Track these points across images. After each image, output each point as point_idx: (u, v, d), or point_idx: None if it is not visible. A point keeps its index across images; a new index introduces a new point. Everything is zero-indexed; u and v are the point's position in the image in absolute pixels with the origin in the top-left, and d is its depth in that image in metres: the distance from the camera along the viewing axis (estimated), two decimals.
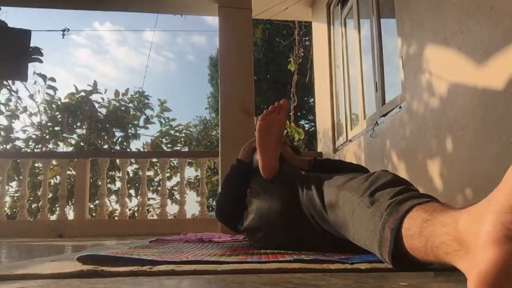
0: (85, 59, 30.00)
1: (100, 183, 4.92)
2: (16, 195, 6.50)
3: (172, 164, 6.58)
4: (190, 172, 12.06)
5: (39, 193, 5.02)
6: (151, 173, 7.07)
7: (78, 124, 7.56)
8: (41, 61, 4.89)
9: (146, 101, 7.79)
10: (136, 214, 5.83)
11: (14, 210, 6.57)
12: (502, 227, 0.50)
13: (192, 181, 7.34)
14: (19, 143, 7.14)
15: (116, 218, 5.81)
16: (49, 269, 0.98)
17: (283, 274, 0.91)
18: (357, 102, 3.75)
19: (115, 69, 33.78)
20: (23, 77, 4.49)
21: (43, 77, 6.68)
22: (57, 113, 7.26)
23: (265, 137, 1.47)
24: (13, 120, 7.01)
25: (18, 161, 5.37)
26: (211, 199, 10.54)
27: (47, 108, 7.25)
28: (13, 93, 6.70)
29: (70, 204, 6.02)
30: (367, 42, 3.49)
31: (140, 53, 30.03)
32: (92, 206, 6.68)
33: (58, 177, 6.34)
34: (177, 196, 5.45)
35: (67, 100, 7.36)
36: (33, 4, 4.66)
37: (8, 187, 6.02)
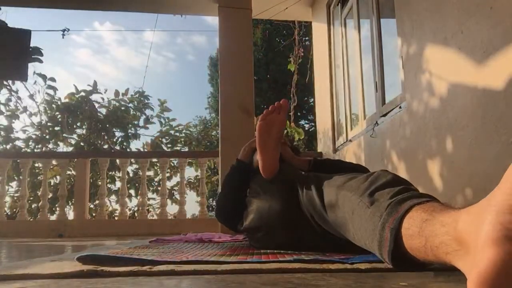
0: (85, 59, 30.02)
1: (100, 183, 4.92)
2: (16, 195, 6.50)
3: (172, 164, 6.58)
4: (190, 172, 12.07)
5: (39, 193, 5.02)
6: (151, 173, 7.07)
7: (78, 124, 7.56)
8: (41, 61, 4.89)
9: (146, 101, 7.79)
10: (136, 214, 5.83)
11: (14, 210, 6.57)
12: (501, 227, 0.50)
13: (192, 181, 7.34)
14: (19, 143, 7.16)
15: (116, 218, 5.81)
16: (49, 269, 0.98)
17: (283, 274, 0.91)
18: (357, 102, 3.75)
19: (115, 69, 33.80)
20: (23, 77, 4.49)
21: (43, 77, 6.68)
22: (57, 113, 7.26)
23: (265, 137, 1.47)
24: (13, 120, 7.01)
25: (18, 161, 5.38)
26: (211, 199, 10.54)
27: (47, 108, 7.25)
28: (13, 93, 6.71)
29: (70, 204, 6.02)
30: (367, 42, 3.49)
31: (140, 53, 30.06)
32: (92, 206, 6.68)
33: (58, 177, 6.34)
34: (177, 196, 5.45)
35: (67, 100, 7.36)
36: (33, 4, 4.66)
37: (8, 187, 6.03)
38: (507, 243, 0.49)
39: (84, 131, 7.68)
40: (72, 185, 5.57)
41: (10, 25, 4.31)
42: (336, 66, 4.37)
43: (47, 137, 7.26)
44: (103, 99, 7.62)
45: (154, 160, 6.04)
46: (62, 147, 7.44)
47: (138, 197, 4.95)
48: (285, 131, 5.00)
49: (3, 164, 4.63)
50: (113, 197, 7.36)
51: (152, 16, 6.89)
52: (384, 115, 3.08)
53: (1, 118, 6.90)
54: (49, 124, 7.29)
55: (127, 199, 5.28)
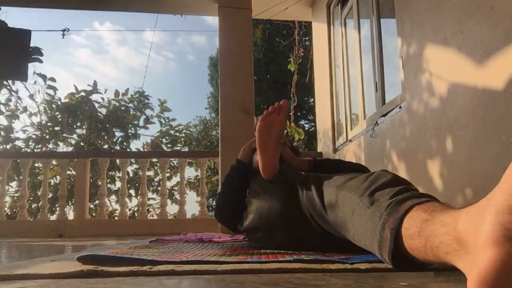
0: (85, 59, 30.02)
1: (100, 183, 4.92)
2: (16, 195, 6.50)
3: (172, 164, 6.58)
4: (190, 172, 12.07)
5: (39, 193, 5.02)
6: (151, 173, 7.07)
7: (78, 124, 7.56)
8: (41, 61, 4.89)
9: (146, 101, 7.79)
10: (136, 214, 5.84)
11: (14, 210, 6.57)
12: (501, 227, 0.50)
13: (192, 181, 7.34)
14: (19, 143, 7.16)
15: (116, 218, 5.81)
16: (49, 269, 0.98)
17: (283, 274, 0.91)
18: (357, 102, 3.75)
19: (115, 69, 33.79)
20: (23, 77, 4.49)
21: (43, 77, 6.68)
22: (57, 113, 7.26)
23: (265, 137, 1.47)
24: (13, 120, 7.01)
25: (18, 161, 5.37)
26: (211, 199, 10.54)
27: (47, 108, 7.25)
28: (13, 93, 6.71)
29: (70, 204, 6.02)
30: (367, 42, 3.49)
31: (140, 53, 30.05)
32: (92, 206, 6.68)
33: (58, 177, 6.34)
34: (177, 196, 5.45)
35: (67, 100, 7.36)
36: (33, 4, 4.66)
37: (8, 187, 6.03)
38: (507, 243, 0.49)
39: (84, 131, 7.68)
40: (72, 185, 5.57)
41: (10, 25, 4.31)
42: (336, 66, 4.37)
43: (47, 137, 7.27)
44: (103, 99, 7.64)
45: (154, 160, 6.04)
46: (62, 147, 7.45)
47: (138, 197, 4.95)
48: (285, 131, 5.00)
49: (3, 164, 4.63)
50: (113, 197, 7.36)
51: (152, 16, 6.89)
52: (384, 115, 3.08)
53: (1, 118, 6.91)
54: (49, 124, 7.29)
55: (127, 199, 5.28)
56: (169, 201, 6.35)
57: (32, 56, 4.67)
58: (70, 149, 7.45)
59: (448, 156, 2.19)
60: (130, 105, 7.76)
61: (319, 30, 4.86)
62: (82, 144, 7.55)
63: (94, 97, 7.45)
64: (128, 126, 7.65)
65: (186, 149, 8.05)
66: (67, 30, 5.43)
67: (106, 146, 7.60)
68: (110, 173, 6.87)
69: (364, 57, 3.61)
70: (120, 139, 7.70)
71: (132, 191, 6.84)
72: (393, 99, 2.98)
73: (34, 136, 7.21)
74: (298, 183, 1.36)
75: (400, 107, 2.82)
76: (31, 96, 6.87)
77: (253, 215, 1.49)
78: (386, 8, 3.23)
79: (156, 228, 4.33)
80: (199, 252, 1.38)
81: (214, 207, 3.58)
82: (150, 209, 7.34)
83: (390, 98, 3.06)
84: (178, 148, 7.89)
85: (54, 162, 5.33)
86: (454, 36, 2.11)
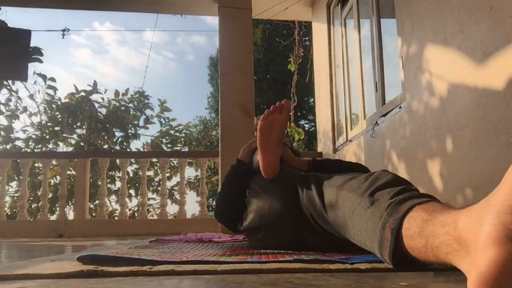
0: (85, 59, 30.04)
1: (100, 183, 4.92)
2: (16, 195, 6.50)
3: (172, 164, 6.58)
4: (190, 172, 12.09)
5: (39, 193, 5.01)
6: (151, 173, 7.07)
7: (78, 124, 7.56)
8: (41, 61, 4.89)
9: (146, 101, 7.79)
10: (136, 214, 5.83)
11: (14, 210, 6.57)
12: (502, 227, 0.50)
13: (192, 181, 7.34)
14: (19, 143, 7.15)
15: (116, 218, 5.81)
16: (49, 269, 0.98)
17: (283, 274, 0.91)
18: (357, 102, 3.75)
19: (115, 69, 33.80)
20: (23, 77, 4.49)
21: (43, 77, 6.68)
22: (57, 113, 7.26)
23: (266, 137, 1.47)
24: (13, 120, 7.01)
25: (18, 161, 5.37)
26: (211, 199, 10.54)
27: (47, 108, 7.25)
28: (13, 93, 6.71)
29: (70, 204, 6.02)
30: (367, 42, 3.48)
31: (140, 53, 30.08)
32: (92, 206, 6.68)
33: (58, 177, 6.34)
34: (177, 196, 5.45)
35: (67, 100, 7.36)
36: (33, 4, 4.66)
37: (8, 187, 6.03)
38: (508, 243, 0.49)
39: (84, 131, 7.68)
40: (72, 185, 5.56)
41: (10, 25, 4.31)
42: (336, 66, 4.37)
43: (47, 137, 7.26)
44: (103, 99, 7.64)
45: (154, 160, 6.04)
46: (62, 147, 7.45)
47: (138, 197, 4.95)
48: (285, 131, 5.00)
49: (3, 164, 4.63)
50: (113, 197, 7.36)
51: (152, 16, 6.90)
52: (384, 115, 3.08)
53: (1, 118, 6.91)
54: (49, 124, 7.29)
55: (127, 199, 5.28)
56: (169, 201, 6.35)
57: (32, 56, 4.67)
58: (70, 149, 7.45)
59: (448, 156, 2.19)
60: (130, 105, 7.76)
61: (319, 30, 4.86)
62: (82, 144, 7.55)
63: (94, 97, 7.46)
64: (128, 126, 7.65)
65: (186, 149, 8.05)
66: (67, 30, 5.44)
67: (106, 146, 7.59)
68: (110, 173, 6.87)
69: (364, 57, 3.61)
70: (120, 139, 7.70)
71: (132, 191, 6.84)
72: (393, 99, 2.98)
73: (34, 136, 7.21)
74: (298, 183, 1.36)
75: (400, 107, 2.82)
76: (31, 96, 6.87)
77: (253, 215, 1.49)
78: (386, 8, 3.23)
79: (156, 228, 4.33)
80: (199, 252, 1.38)
81: (214, 207, 3.58)
82: (150, 209, 7.34)
83: (390, 98, 3.06)
84: (178, 148, 7.89)
85: (54, 162, 5.33)
86: (454, 36, 2.11)
